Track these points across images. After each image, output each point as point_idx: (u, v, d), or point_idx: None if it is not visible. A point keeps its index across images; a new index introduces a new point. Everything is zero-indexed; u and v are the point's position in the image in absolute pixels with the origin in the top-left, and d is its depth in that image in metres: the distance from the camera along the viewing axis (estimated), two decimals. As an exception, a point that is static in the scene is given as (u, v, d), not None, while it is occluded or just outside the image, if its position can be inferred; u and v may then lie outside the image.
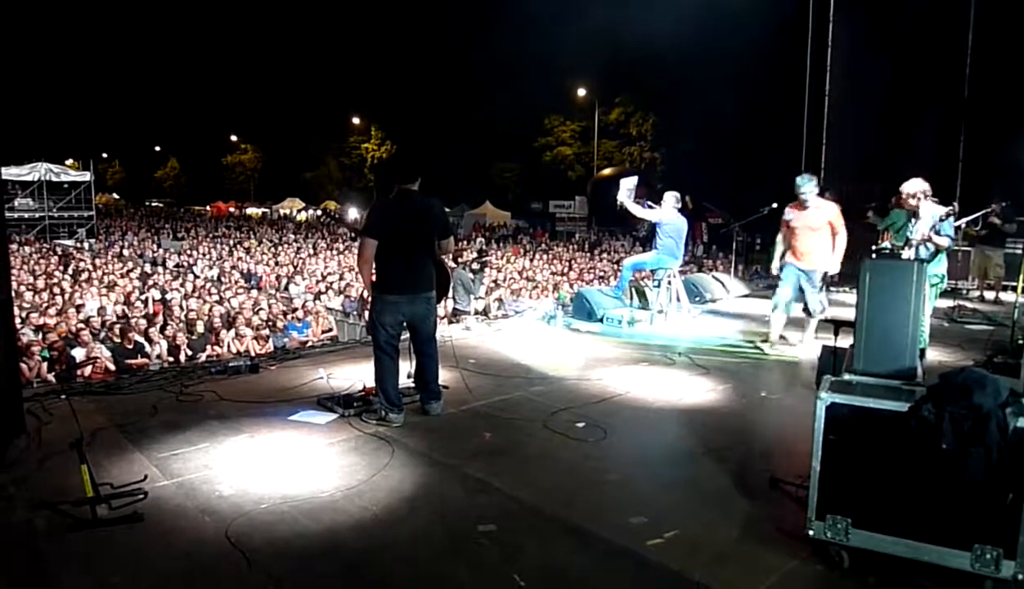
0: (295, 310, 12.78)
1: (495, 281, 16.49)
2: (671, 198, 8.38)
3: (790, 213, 6.74)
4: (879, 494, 2.82)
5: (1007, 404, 2.63)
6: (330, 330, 12.21)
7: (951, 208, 5.80)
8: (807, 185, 6.55)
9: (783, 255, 6.91)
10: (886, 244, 4.75)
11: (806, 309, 6.88)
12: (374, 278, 4.66)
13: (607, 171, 34.94)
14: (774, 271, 7.26)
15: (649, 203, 8.64)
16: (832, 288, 11.25)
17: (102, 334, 9.96)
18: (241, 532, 3.19)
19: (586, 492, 3.70)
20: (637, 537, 3.18)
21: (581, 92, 39.78)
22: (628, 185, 8.36)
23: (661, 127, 39.93)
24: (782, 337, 7.11)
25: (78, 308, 11.63)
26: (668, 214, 8.32)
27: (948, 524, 2.70)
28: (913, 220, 5.85)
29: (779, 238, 6.94)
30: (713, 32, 28.62)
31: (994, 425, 2.58)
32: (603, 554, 3.09)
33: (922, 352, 6.31)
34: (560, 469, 4.00)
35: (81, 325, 9.97)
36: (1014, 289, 10.74)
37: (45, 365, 8.56)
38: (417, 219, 4.65)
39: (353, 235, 23.00)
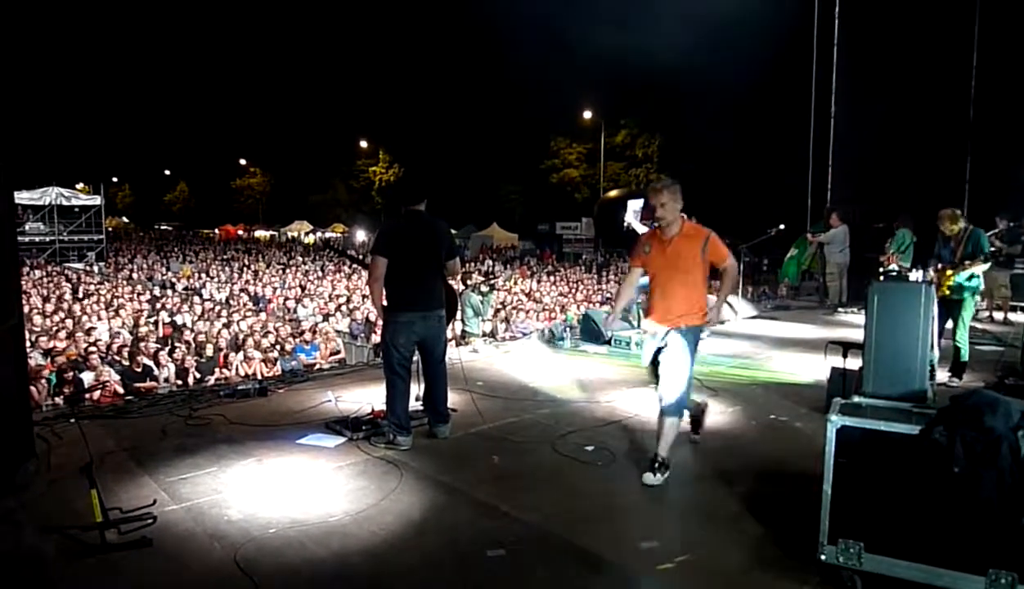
0: (303, 332, 12.81)
1: (502, 302, 16.51)
2: (678, 219, 8.38)
3: (647, 244, 4.25)
4: (892, 518, 2.80)
5: (1019, 427, 2.61)
6: (338, 352, 12.22)
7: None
8: (663, 195, 4.03)
9: (647, 309, 4.30)
10: (893, 266, 4.74)
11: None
12: (385, 302, 4.69)
13: (614, 193, 34.94)
14: (612, 323, 5.63)
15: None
16: (840, 309, 11.25)
17: (109, 357, 10.01)
18: (250, 557, 3.18)
19: (595, 516, 3.68)
20: (647, 562, 3.16)
21: (587, 114, 40.04)
22: (635, 207, 8.40)
23: (666, 148, 40.14)
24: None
25: (88, 331, 11.70)
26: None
27: (962, 548, 2.67)
28: (954, 244, 5.87)
29: (632, 278, 4.47)
30: (718, 54, 28.93)
31: (1006, 448, 2.57)
32: (613, 579, 3.07)
33: (964, 366, 6.30)
34: (569, 493, 3.99)
35: (92, 348, 10.02)
36: (1023, 310, 10.70)
37: (47, 387, 8.59)
38: (425, 238, 4.72)
39: (351, 265, 22.95)
